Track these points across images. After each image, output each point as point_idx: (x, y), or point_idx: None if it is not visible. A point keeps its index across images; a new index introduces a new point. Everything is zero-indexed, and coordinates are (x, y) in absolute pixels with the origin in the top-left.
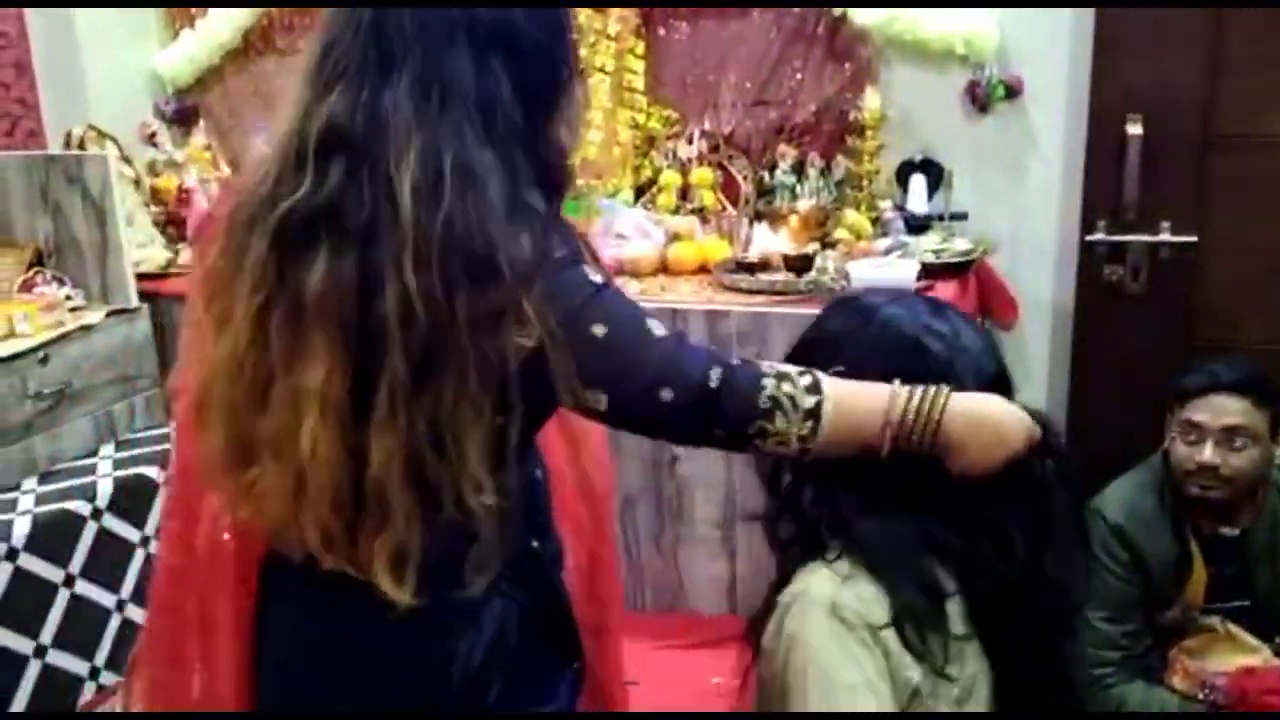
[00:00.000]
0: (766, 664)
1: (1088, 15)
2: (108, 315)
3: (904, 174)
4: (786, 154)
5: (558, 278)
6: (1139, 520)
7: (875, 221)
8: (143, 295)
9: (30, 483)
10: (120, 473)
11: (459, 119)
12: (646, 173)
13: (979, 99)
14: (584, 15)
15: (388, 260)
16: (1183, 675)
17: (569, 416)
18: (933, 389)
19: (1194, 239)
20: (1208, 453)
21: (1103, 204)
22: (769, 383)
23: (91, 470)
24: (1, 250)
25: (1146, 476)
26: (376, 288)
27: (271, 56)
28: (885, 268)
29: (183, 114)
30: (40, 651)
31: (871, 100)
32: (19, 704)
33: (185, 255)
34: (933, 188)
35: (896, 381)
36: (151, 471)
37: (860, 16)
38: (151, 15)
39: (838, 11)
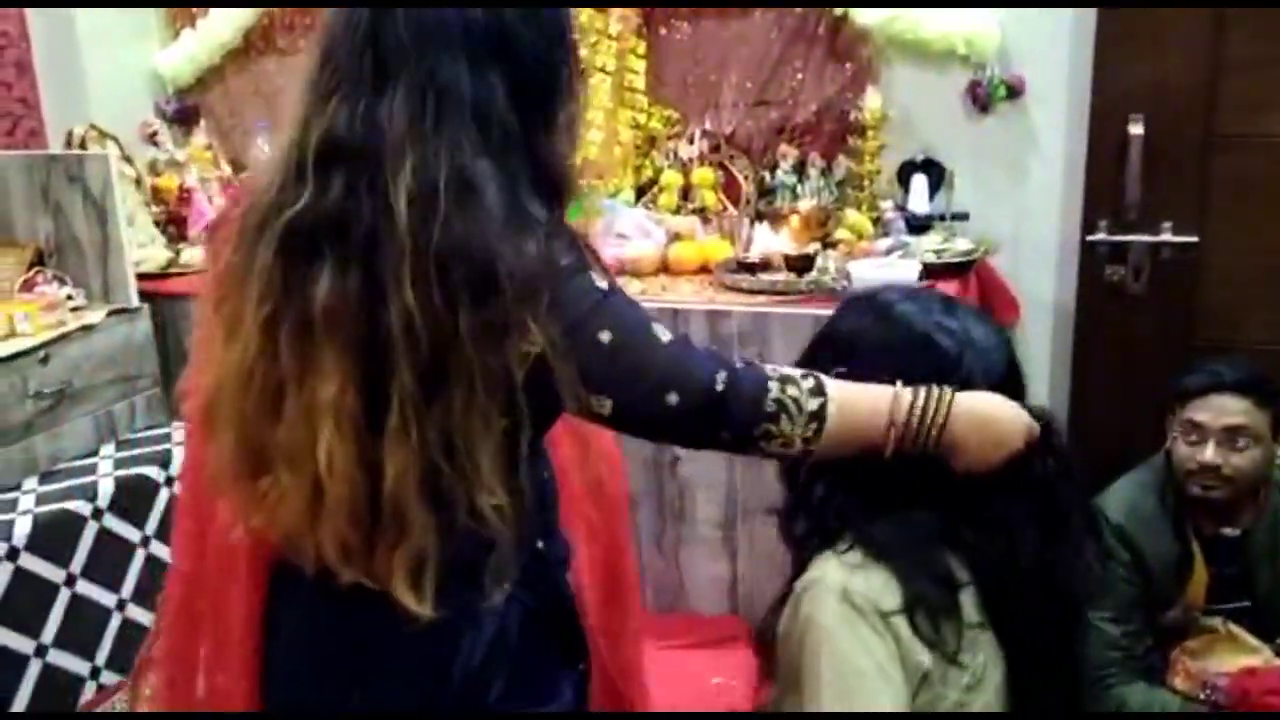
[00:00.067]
0: (783, 647)
1: (1089, 15)
2: (108, 315)
3: (905, 174)
4: (788, 154)
5: (564, 285)
6: (1140, 520)
7: (876, 221)
8: (144, 295)
9: (31, 482)
10: (121, 472)
11: (456, 129)
12: (647, 173)
13: (980, 99)
14: (585, 15)
15: (389, 274)
16: (1184, 676)
17: (577, 418)
18: (936, 390)
19: (1195, 239)
20: (1209, 453)
21: (1104, 204)
22: (774, 386)
23: (92, 470)
24: (2, 250)
25: (1148, 476)
26: (381, 302)
27: (272, 56)
28: (886, 268)
29: (184, 113)
30: (41, 651)
31: (872, 100)
32: (19, 704)
33: (186, 255)
34: (934, 188)
35: (899, 383)
36: (152, 471)
37: (861, 16)
38: (152, 15)
39: (839, 11)
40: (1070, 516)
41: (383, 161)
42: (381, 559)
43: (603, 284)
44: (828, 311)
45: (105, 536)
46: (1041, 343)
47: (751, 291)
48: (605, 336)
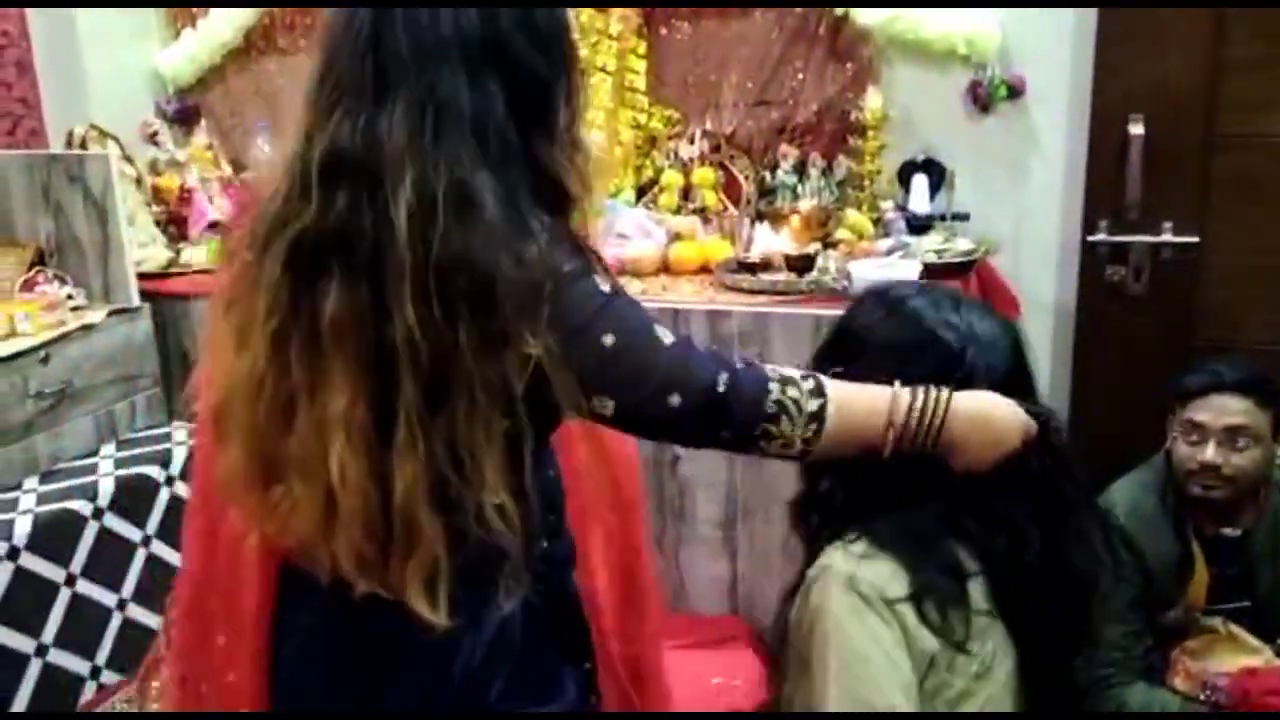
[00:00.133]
0: (794, 636)
1: (1090, 15)
2: (109, 315)
3: (906, 174)
4: (788, 154)
5: (567, 291)
6: (1141, 520)
7: (877, 222)
8: (144, 295)
9: (31, 482)
10: (121, 472)
11: (455, 143)
12: (648, 173)
13: (981, 99)
14: (585, 15)
15: (391, 287)
16: (1184, 676)
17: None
18: (934, 390)
19: (1196, 239)
20: (1210, 452)
21: (1104, 204)
22: (774, 387)
23: (93, 470)
24: (3, 249)
25: (1148, 476)
26: (385, 315)
27: (273, 56)
28: (887, 268)
29: (184, 113)
30: (41, 651)
31: (873, 100)
32: (20, 703)
33: (186, 255)
34: (934, 188)
35: (897, 383)
36: (153, 471)
37: (862, 16)
38: (153, 14)
39: (839, 11)
40: (1073, 511)
41: (384, 176)
42: (396, 570)
43: (605, 287)
44: (828, 311)
45: (105, 536)
46: (1042, 343)
47: (752, 291)
48: (609, 339)
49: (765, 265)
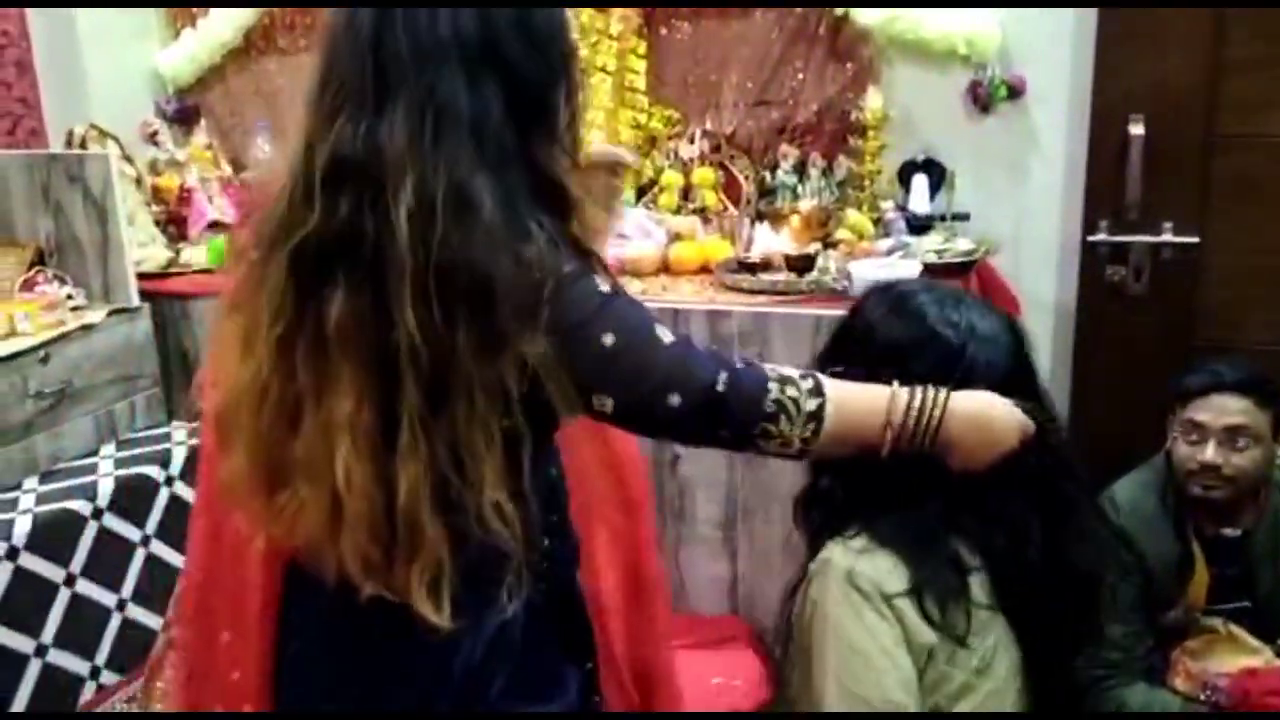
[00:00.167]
0: (797, 629)
1: (1090, 15)
2: (109, 314)
3: (906, 174)
4: (788, 154)
5: (567, 291)
6: (1141, 520)
7: (877, 222)
8: (144, 294)
9: (31, 482)
10: (121, 472)
11: (453, 145)
12: (648, 173)
13: (981, 99)
14: (586, 15)
15: (393, 290)
16: (1184, 676)
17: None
18: (931, 390)
19: (1196, 239)
20: (1210, 452)
21: (1105, 204)
22: (773, 386)
23: (92, 470)
24: (3, 249)
25: (1149, 476)
26: (388, 319)
27: (273, 56)
28: (887, 268)
29: (184, 113)
30: (41, 651)
31: (873, 100)
32: (19, 704)
33: (186, 255)
34: (935, 188)
35: (896, 383)
36: (152, 471)
37: (862, 16)
38: (153, 14)
39: (839, 11)
40: (1075, 510)
41: (385, 180)
42: (400, 572)
43: (605, 287)
44: (828, 312)
45: (105, 536)
46: (1042, 343)
47: (752, 291)
48: (609, 339)
49: (765, 265)
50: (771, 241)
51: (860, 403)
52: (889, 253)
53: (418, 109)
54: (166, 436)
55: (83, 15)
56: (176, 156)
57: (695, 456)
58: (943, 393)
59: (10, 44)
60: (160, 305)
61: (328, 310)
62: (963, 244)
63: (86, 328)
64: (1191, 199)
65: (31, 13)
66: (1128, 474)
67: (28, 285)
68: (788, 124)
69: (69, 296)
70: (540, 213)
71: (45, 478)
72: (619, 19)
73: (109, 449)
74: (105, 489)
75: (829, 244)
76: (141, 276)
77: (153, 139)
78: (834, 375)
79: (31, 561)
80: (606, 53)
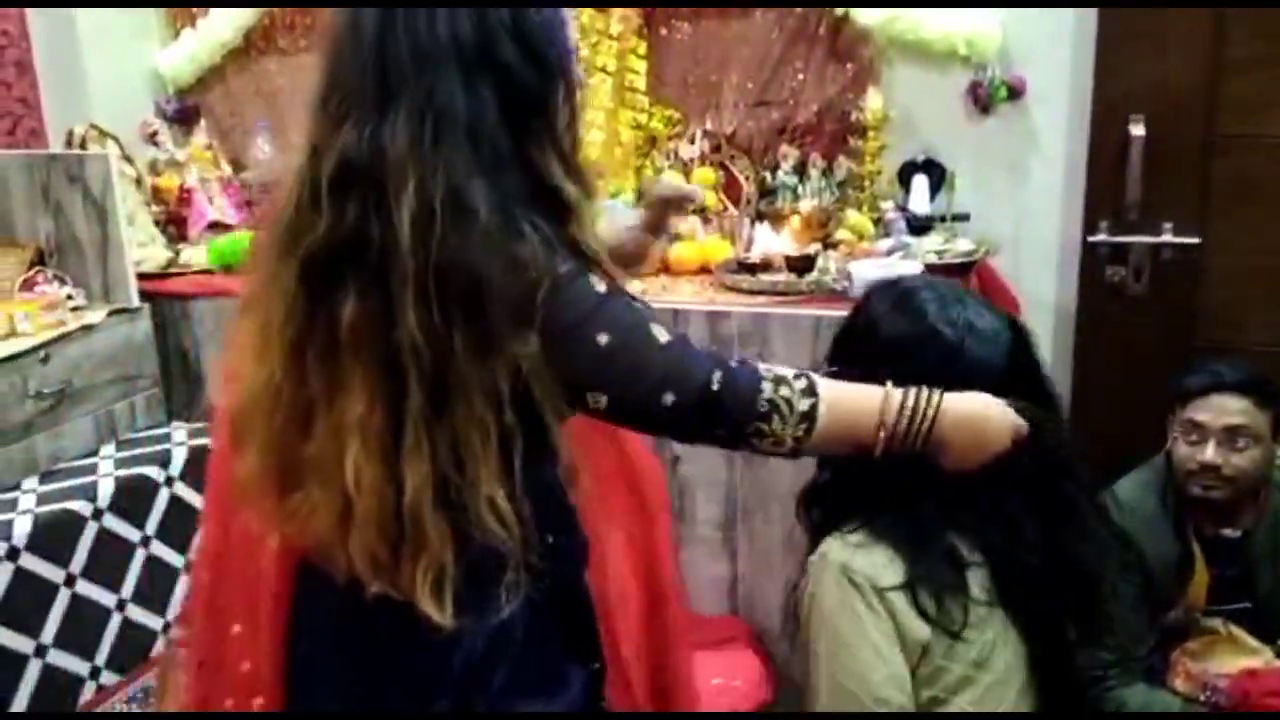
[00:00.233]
0: (800, 624)
1: (1090, 15)
2: (109, 315)
3: (906, 174)
4: (788, 154)
5: (562, 291)
6: (1141, 521)
7: (877, 222)
8: (144, 295)
9: (31, 482)
10: (121, 472)
11: (450, 149)
12: (648, 173)
13: (981, 99)
14: (586, 15)
15: (397, 293)
16: (1184, 677)
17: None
18: (925, 391)
19: (1196, 240)
20: (1209, 452)
21: (1105, 205)
22: (767, 386)
23: (92, 470)
24: (3, 249)
25: (1149, 477)
26: (394, 321)
27: (273, 56)
28: (887, 268)
29: (184, 113)
30: (41, 651)
31: (873, 100)
32: (19, 704)
33: (186, 255)
34: (935, 188)
35: (889, 383)
36: (152, 471)
37: (862, 16)
38: (153, 14)
39: (840, 11)
40: (1075, 509)
41: (388, 183)
42: (405, 571)
43: (601, 287)
44: (828, 312)
45: (105, 536)
46: (1042, 343)
47: (752, 292)
48: (603, 338)
49: (765, 266)
50: (771, 242)
51: (854, 403)
52: (889, 253)
53: (418, 112)
54: (166, 437)
55: (83, 15)
56: (176, 157)
57: (695, 456)
58: (936, 394)
59: (10, 44)
60: (160, 305)
61: (339, 315)
62: (963, 244)
63: (86, 328)
64: (1192, 199)
65: (31, 13)
66: (1128, 474)
67: (28, 285)
68: (788, 124)
69: (69, 297)
70: (536, 215)
71: (45, 478)
72: (619, 19)
73: (109, 449)
74: (105, 489)
75: (829, 244)
76: (141, 277)
77: (153, 139)
78: (832, 375)
79: (31, 562)
80: (606, 53)
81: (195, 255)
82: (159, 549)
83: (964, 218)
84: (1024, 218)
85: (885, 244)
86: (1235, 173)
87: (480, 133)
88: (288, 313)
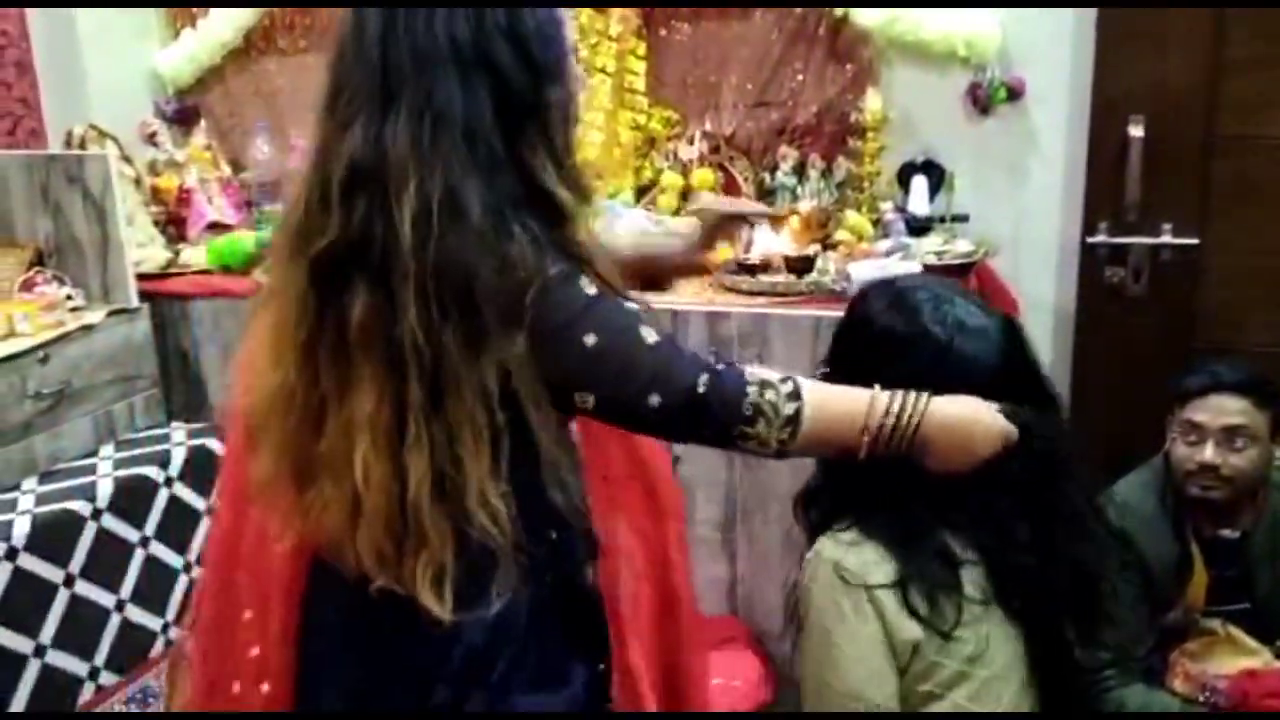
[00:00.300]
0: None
1: (1089, 16)
2: (108, 315)
3: (905, 175)
4: (788, 155)
5: (552, 292)
6: (1140, 521)
7: (876, 223)
8: (143, 295)
9: (30, 483)
10: (120, 473)
11: (448, 149)
12: (647, 174)
13: (980, 100)
14: (585, 16)
15: (398, 291)
16: (1183, 678)
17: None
18: (912, 395)
19: (1195, 241)
20: (1208, 453)
21: (1104, 206)
22: (752, 390)
23: (91, 470)
24: (2, 249)
25: (1148, 477)
26: (396, 319)
27: (273, 56)
28: (886, 269)
29: (183, 114)
30: (40, 651)
31: (873, 101)
32: (18, 704)
33: (185, 255)
34: (934, 189)
35: (877, 386)
36: (151, 471)
37: (862, 17)
38: (152, 15)
39: (839, 12)
40: (1070, 510)
41: (390, 183)
42: (408, 565)
43: (592, 290)
44: (828, 313)
45: (104, 537)
46: (1042, 344)
47: (751, 293)
48: (591, 339)
49: (765, 267)
50: (771, 243)
51: (839, 407)
52: (888, 254)
53: (417, 112)
54: (166, 437)
55: (83, 15)
56: (176, 157)
57: (695, 457)
58: (923, 398)
59: (10, 44)
60: (159, 306)
61: (348, 315)
62: (962, 245)
63: (86, 328)
64: (1191, 200)
65: (31, 13)
66: (1127, 475)
67: (27, 286)
68: (787, 125)
69: (68, 297)
70: (528, 216)
71: (44, 478)
72: (618, 20)
73: (108, 449)
74: (104, 489)
75: (828, 245)
76: (140, 277)
77: (152, 139)
78: (825, 375)
79: (30, 562)
80: (606, 53)
81: (194, 255)
82: (158, 549)
83: (963, 219)
84: (1023, 218)
85: (884, 245)
86: (1235, 173)
87: (476, 133)
88: (299, 314)
